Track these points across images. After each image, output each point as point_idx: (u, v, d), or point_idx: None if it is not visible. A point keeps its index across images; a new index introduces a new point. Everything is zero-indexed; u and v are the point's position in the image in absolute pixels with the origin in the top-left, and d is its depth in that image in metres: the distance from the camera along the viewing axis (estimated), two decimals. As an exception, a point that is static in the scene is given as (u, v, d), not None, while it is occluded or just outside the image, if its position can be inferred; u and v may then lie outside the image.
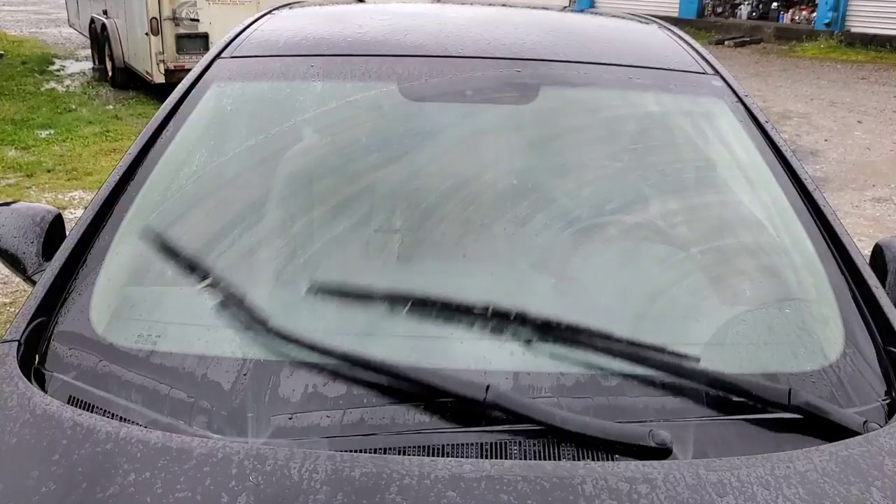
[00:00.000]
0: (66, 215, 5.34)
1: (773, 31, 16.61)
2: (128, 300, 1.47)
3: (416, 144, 1.79)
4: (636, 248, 1.61)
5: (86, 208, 1.61)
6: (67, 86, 10.60)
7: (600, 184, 1.75)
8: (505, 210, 1.64)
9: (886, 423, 1.23)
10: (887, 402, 1.29)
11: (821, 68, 13.29)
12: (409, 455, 1.12)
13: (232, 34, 2.12)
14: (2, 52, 12.21)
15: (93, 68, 11.47)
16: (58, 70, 11.73)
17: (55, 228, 1.72)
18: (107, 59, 10.71)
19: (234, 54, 2.00)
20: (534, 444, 1.16)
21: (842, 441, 1.17)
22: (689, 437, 1.19)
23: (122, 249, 1.52)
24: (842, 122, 9.26)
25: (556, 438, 1.16)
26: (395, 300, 1.42)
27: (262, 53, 2.01)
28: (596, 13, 3.05)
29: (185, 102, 1.84)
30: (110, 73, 10.60)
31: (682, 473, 1.08)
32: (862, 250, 1.56)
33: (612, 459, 1.14)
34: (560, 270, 1.53)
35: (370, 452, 1.13)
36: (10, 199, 4.31)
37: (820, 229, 1.59)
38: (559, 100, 1.90)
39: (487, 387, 1.18)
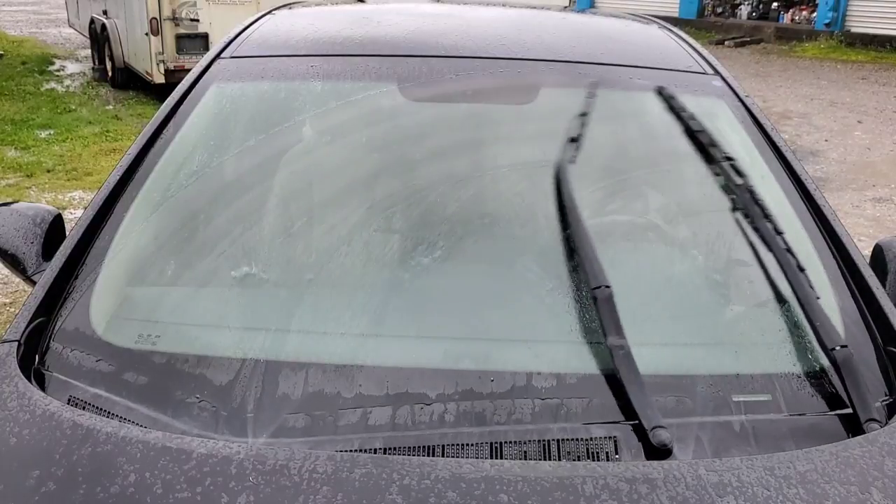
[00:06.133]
0: (66, 215, 5.34)
1: (773, 31, 16.60)
2: (128, 300, 1.47)
3: (416, 144, 1.79)
4: (636, 248, 1.61)
5: (86, 208, 1.61)
6: (67, 86, 10.60)
7: (600, 184, 1.75)
8: (505, 210, 1.64)
9: (886, 423, 1.23)
10: (887, 402, 1.29)
11: (821, 68, 13.29)
12: (409, 455, 1.12)
13: (232, 34, 2.12)
14: (2, 52, 12.21)
15: (93, 68, 11.47)
16: (58, 70, 11.73)
17: (55, 228, 1.72)
18: (107, 59, 10.70)
19: (233, 54, 2.00)
20: (534, 445, 1.16)
21: (842, 441, 1.17)
22: (690, 437, 1.19)
23: (122, 249, 1.52)
24: (842, 123, 9.26)
25: (557, 439, 1.16)
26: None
27: (262, 53, 2.01)
28: (596, 13, 3.05)
29: (185, 102, 1.84)
30: (110, 74, 10.60)
31: (682, 473, 1.08)
32: (862, 250, 1.56)
33: (613, 459, 1.13)
34: (560, 270, 1.53)
35: (370, 452, 1.13)
36: (10, 199, 4.31)
37: (820, 229, 1.59)
38: (559, 100, 1.90)
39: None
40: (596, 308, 1.36)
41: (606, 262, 1.57)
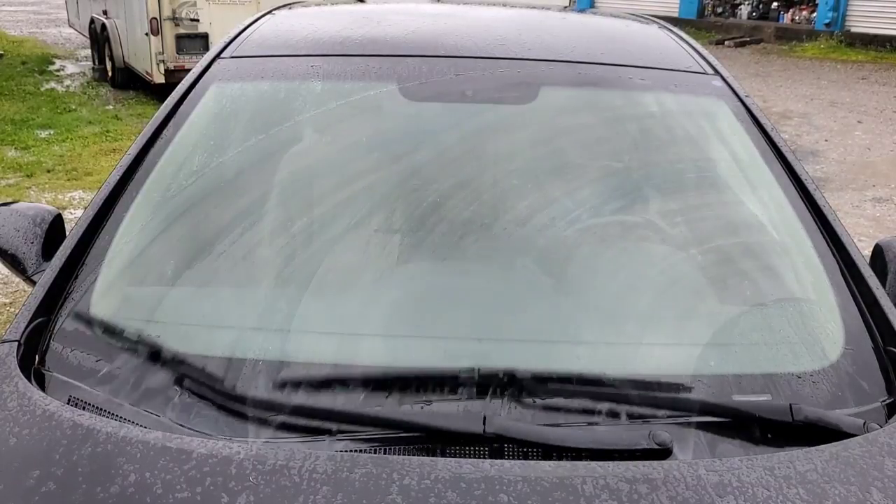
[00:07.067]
0: (66, 215, 5.34)
1: (773, 31, 16.60)
2: (128, 300, 1.47)
3: (416, 144, 1.79)
4: (636, 248, 1.61)
5: (86, 208, 1.61)
6: (67, 86, 10.60)
7: (600, 184, 1.75)
8: (505, 210, 1.64)
9: (886, 423, 1.23)
10: (887, 402, 1.29)
11: (821, 68, 13.29)
12: (409, 455, 1.12)
13: (232, 34, 2.12)
14: (2, 52, 12.20)
15: (93, 68, 11.47)
16: (58, 70, 11.73)
17: (55, 228, 1.72)
18: (107, 59, 10.70)
19: (234, 54, 2.00)
20: (534, 445, 1.16)
21: (842, 441, 1.17)
22: (690, 437, 1.19)
23: (122, 250, 1.52)
24: (842, 122, 9.26)
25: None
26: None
27: (262, 53, 2.01)
28: (596, 13, 3.05)
29: (185, 102, 1.84)
30: (110, 73, 10.60)
31: (682, 474, 1.08)
32: (862, 250, 1.56)
33: (613, 459, 1.13)
34: (560, 270, 1.53)
35: (370, 452, 1.13)
36: (10, 199, 4.31)
37: (820, 229, 1.59)
38: (559, 100, 1.90)
39: (484, 417, 1.15)
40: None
41: (607, 262, 1.57)
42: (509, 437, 1.15)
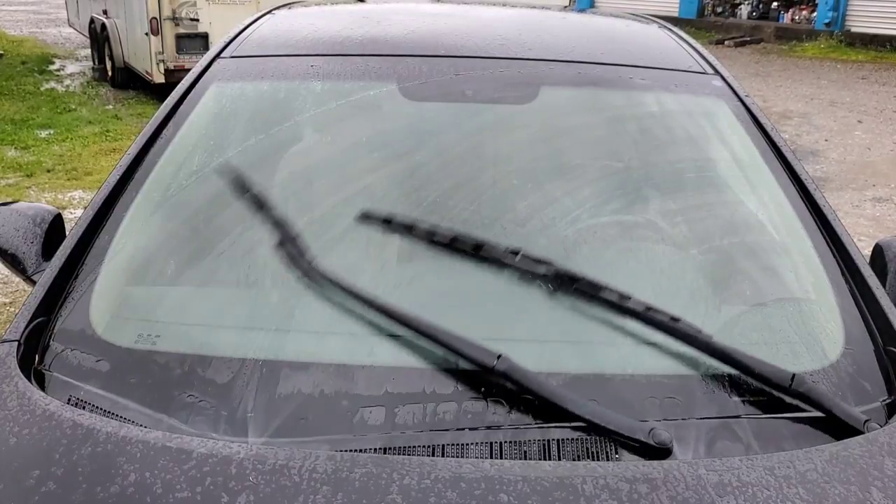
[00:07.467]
0: (66, 215, 5.34)
1: (773, 30, 16.61)
2: (128, 300, 1.47)
3: (417, 144, 1.79)
4: (636, 248, 1.61)
5: (86, 208, 1.61)
6: (67, 86, 10.60)
7: (601, 184, 1.75)
8: (505, 210, 1.64)
9: (886, 422, 1.23)
10: (887, 402, 1.29)
11: (821, 68, 13.29)
12: (409, 455, 1.12)
13: (232, 34, 2.12)
14: (2, 52, 12.20)
15: (92, 68, 11.47)
16: (57, 70, 11.73)
17: (55, 228, 1.72)
18: (107, 58, 10.71)
19: (233, 54, 2.00)
20: (534, 444, 1.16)
21: (842, 441, 1.17)
22: (690, 437, 1.19)
23: (122, 249, 1.52)
24: (842, 122, 9.26)
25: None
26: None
27: (261, 53, 2.01)
28: (596, 13, 3.05)
29: (185, 102, 1.84)
30: (110, 73, 10.60)
31: (682, 473, 1.08)
32: (862, 250, 1.56)
33: (613, 459, 1.13)
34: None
35: (370, 452, 1.13)
36: (10, 199, 4.31)
37: (820, 229, 1.59)
38: (559, 100, 1.90)
39: (499, 356, 1.21)
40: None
41: (607, 262, 1.57)
42: (515, 379, 1.20)
